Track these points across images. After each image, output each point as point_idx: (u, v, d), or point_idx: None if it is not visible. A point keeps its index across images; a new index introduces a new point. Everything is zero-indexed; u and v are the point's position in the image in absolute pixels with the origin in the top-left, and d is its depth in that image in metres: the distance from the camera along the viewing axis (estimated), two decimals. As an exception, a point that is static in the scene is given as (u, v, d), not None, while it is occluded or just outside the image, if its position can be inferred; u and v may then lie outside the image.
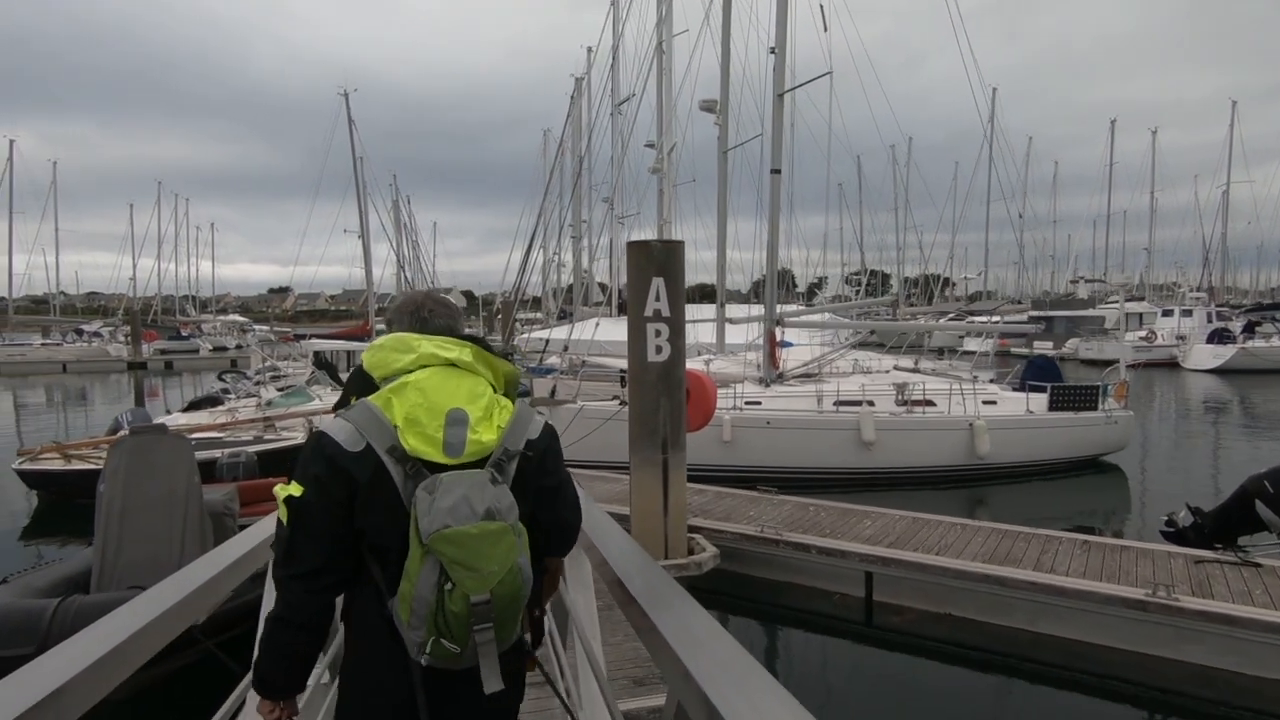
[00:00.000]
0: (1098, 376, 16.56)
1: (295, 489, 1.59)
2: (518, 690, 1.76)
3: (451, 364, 1.70)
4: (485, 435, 1.63)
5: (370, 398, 1.66)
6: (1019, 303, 31.40)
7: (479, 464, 1.61)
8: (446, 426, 1.61)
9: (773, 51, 14.65)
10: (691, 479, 8.59)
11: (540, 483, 1.70)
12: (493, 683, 1.55)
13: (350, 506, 1.58)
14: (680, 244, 7.95)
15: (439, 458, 1.59)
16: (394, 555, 1.56)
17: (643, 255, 7.79)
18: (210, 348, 46.99)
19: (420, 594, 1.50)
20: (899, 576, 7.84)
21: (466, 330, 1.87)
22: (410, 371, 1.68)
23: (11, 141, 50.78)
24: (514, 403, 1.77)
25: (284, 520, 1.60)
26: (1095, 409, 14.36)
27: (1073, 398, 14.34)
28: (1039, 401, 14.30)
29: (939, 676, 6.83)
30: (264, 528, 2.84)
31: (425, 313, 1.83)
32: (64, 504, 12.11)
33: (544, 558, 1.81)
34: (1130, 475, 14.58)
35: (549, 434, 1.77)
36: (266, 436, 13.14)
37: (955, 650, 7.14)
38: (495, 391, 1.74)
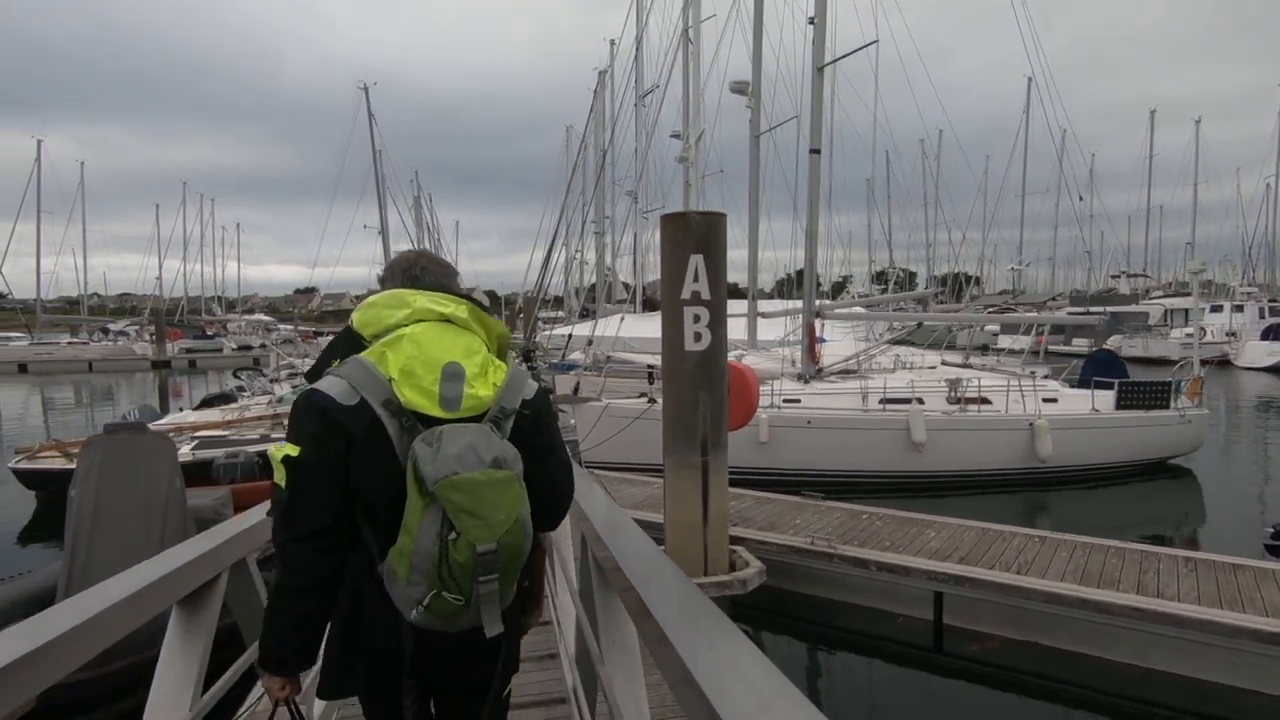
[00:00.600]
0: (1148, 375, 15.35)
1: (291, 449, 1.54)
2: (503, 663, 1.70)
3: (447, 319, 1.66)
4: (482, 391, 1.60)
5: (363, 354, 1.62)
6: (1054, 299, 30.11)
7: (474, 420, 1.57)
8: (443, 380, 1.58)
9: (811, 22, 13.65)
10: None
11: (534, 442, 1.64)
12: (494, 626, 1.53)
13: (347, 462, 1.53)
14: (722, 216, 7.00)
15: (435, 412, 1.56)
16: (384, 514, 1.53)
17: (679, 229, 6.84)
18: (234, 346, 46.96)
19: (421, 546, 1.46)
20: (974, 597, 6.83)
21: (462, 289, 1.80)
22: (405, 326, 1.63)
23: (39, 141, 51.08)
24: (507, 363, 1.73)
25: (282, 483, 1.55)
26: (1167, 407, 13.18)
27: (1142, 395, 13.17)
28: (1104, 399, 13.14)
29: (1023, 715, 5.83)
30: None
31: (418, 270, 1.78)
32: (63, 505, 11.50)
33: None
34: (1204, 480, 13.36)
35: (543, 395, 1.72)
36: (274, 435, 12.41)
37: (1043, 685, 6.13)
38: (489, 351, 1.70)
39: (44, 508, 11.88)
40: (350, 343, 1.67)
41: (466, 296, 1.72)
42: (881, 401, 12.55)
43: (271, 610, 1.59)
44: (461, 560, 1.44)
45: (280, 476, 1.54)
